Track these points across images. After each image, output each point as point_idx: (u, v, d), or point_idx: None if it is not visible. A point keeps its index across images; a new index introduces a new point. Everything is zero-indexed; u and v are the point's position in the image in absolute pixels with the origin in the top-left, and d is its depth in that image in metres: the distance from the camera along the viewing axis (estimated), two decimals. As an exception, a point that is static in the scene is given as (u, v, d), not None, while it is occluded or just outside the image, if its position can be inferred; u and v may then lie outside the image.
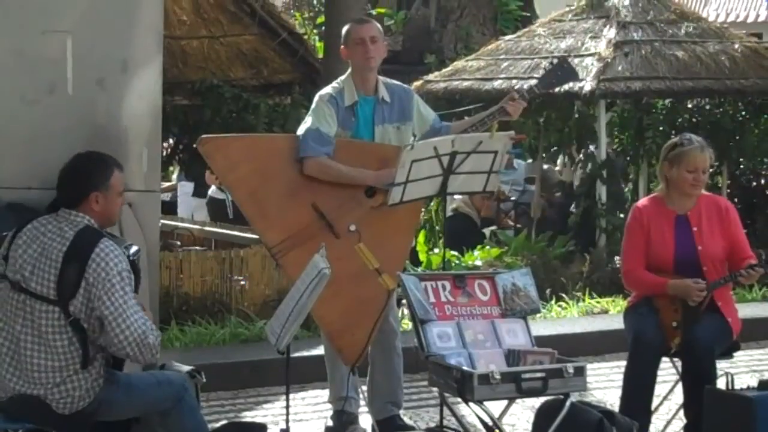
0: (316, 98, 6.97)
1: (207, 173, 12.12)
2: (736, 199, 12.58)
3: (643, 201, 7.05)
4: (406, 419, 7.24)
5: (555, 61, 7.37)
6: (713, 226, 6.75)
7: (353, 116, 6.91)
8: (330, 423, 7.18)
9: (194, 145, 6.97)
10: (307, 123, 6.86)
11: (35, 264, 5.32)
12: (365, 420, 7.23)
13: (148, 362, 5.42)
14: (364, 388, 7.10)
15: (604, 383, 8.57)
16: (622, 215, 12.22)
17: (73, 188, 5.44)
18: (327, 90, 6.97)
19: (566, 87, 10.98)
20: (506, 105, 6.95)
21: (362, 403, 7.19)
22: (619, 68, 12.06)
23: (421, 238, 11.71)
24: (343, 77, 7.02)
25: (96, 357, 5.35)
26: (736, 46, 12.62)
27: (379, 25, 7.12)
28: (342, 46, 7.05)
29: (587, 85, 11.69)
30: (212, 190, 13.24)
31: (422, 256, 11.55)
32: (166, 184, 14.39)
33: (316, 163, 6.75)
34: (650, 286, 6.69)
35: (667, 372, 6.98)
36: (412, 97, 7.12)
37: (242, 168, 6.79)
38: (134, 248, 5.52)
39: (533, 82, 7.32)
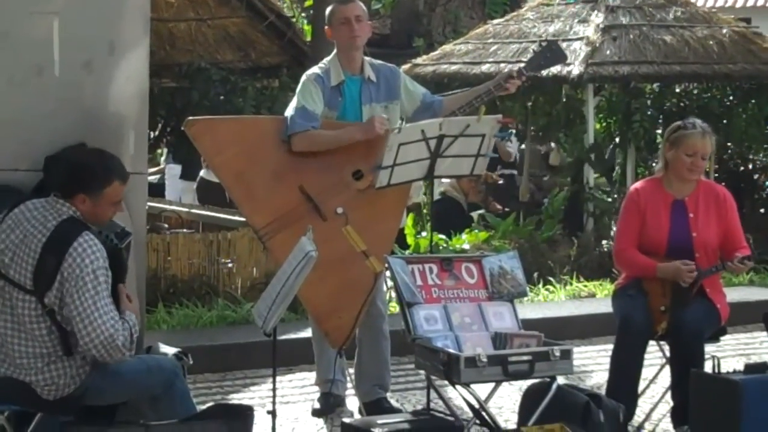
0: (302, 78, 6.96)
1: None
2: (723, 184, 12.56)
3: (641, 182, 7.02)
4: (393, 402, 7.23)
5: (544, 43, 7.36)
6: (710, 213, 6.75)
7: (340, 96, 6.90)
8: (317, 405, 7.19)
9: (182, 128, 6.93)
10: (293, 103, 6.86)
11: (15, 251, 5.26)
12: (352, 402, 7.24)
13: (116, 362, 5.27)
14: (351, 370, 7.11)
15: (591, 366, 8.58)
16: (609, 199, 12.26)
17: (64, 180, 5.38)
18: (313, 70, 6.97)
19: (554, 71, 11.05)
20: (503, 81, 6.97)
21: (349, 385, 7.20)
22: (607, 52, 12.05)
23: (409, 221, 11.70)
24: (328, 58, 7.01)
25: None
26: (725, 30, 12.61)
27: (362, 5, 7.10)
28: (326, 27, 7.04)
29: (575, 69, 11.68)
30: (204, 172, 13.19)
31: (410, 240, 11.54)
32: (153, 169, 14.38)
33: (304, 136, 6.73)
34: (640, 268, 6.69)
35: (654, 355, 7.00)
36: (399, 76, 7.10)
37: (229, 150, 6.77)
38: (126, 236, 5.47)
39: (522, 65, 7.29)
